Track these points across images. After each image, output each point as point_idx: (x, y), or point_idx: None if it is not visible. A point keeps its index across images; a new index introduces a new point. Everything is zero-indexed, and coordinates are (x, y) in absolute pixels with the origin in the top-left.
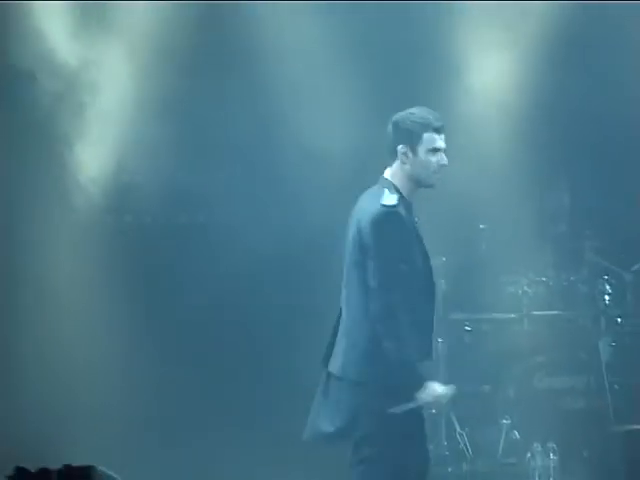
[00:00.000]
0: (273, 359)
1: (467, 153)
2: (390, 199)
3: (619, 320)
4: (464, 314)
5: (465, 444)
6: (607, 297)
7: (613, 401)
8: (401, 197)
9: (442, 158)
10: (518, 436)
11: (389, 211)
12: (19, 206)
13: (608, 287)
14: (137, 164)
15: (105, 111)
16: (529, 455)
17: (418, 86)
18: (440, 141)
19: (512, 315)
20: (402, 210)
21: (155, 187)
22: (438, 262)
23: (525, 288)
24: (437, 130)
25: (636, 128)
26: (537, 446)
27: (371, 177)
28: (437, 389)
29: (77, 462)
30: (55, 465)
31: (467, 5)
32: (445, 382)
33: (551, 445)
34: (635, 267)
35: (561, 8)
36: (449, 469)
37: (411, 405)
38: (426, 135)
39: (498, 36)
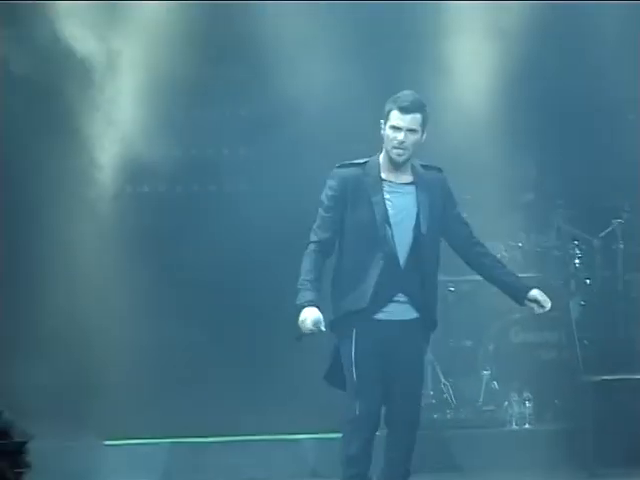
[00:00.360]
0: (274, 312)
1: (453, 133)
2: (340, 163)
3: (588, 282)
4: (448, 276)
5: (449, 393)
6: (577, 261)
7: (582, 354)
8: (365, 164)
9: (400, 135)
10: (497, 386)
11: (332, 171)
12: (45, 182)
13: (578, 252)
14: (152, 142)
15: (122, 94)
16: (506, 403)
17: (405, 71)
18: (400, 120)
19: None
20: (348, 173)
21: (170, 161)
22: None
23: (503, 253)
24: (401, 109)
25: (602, 106)
26: (514, 395)
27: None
28: (304, 313)
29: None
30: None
31: (453, 4)
32: (432, 339)
33: (526, 394)
34: (603, 234)
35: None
36: (435, 416)
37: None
38: (391, 113)
39: (479, 30)
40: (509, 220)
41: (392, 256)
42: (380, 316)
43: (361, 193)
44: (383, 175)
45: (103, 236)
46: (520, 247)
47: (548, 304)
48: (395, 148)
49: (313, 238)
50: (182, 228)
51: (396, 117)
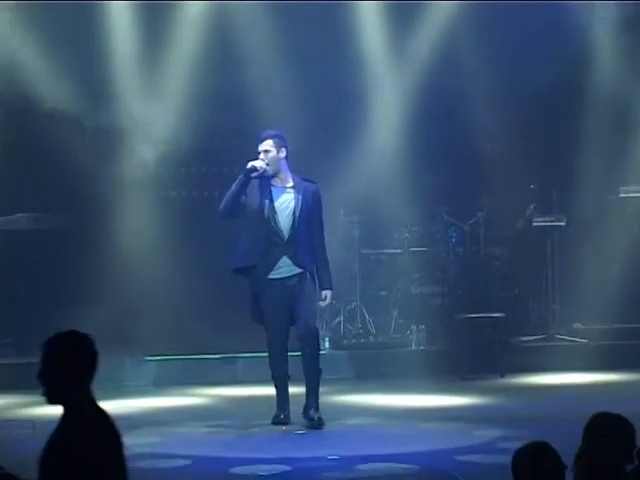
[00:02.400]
0: None
1: (375, 153)
2: None
3: (461, 253)
4: (370, 250)
5: (371, 326)
6: (454, 240)
7: (457, 301)
8: (260, 176)
9: (261, 157)
10: (402, 321)
11: None
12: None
13: (455, 234)
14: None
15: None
16: (409, 332)
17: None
18: (260, 147)
19: (399, 250)
20: (254, 182)
21: (184, 174)
22: (354, 219)
23: (406, 235)
24: (260, 140)
25: (475, 136)
26: (413, 327)
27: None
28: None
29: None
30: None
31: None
32: (360, 291)
33: (422, 326)
34: (470, 222)
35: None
36: (362, 340)
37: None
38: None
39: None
40: (410, 213)
41: (277, 232)
42: (274, 276)
43: (255, 192)
44: (272, 182)
45: (149, 226)
46: (417, 230)
47: (323, 304)
48: (265, 165)
49: (240, 223)
50: (195, 221)
51: (259, 146)
